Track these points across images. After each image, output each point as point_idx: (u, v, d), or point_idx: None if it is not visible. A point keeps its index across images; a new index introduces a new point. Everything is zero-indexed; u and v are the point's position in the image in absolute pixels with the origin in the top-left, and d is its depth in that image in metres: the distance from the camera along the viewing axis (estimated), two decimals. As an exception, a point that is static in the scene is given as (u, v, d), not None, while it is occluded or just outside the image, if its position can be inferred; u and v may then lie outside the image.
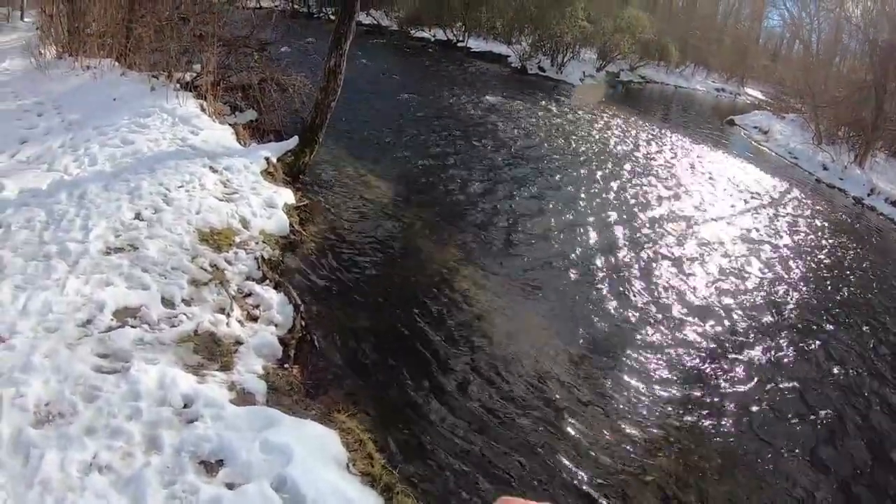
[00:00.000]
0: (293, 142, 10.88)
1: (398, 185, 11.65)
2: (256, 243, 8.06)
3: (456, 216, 11.02)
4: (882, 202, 20.26)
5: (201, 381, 5.63)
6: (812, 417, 8.21)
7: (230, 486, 4.64)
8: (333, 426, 5.66)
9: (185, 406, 5.27)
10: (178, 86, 11.66)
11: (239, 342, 6.39)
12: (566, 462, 6.28)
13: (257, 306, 7.10)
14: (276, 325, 6.91)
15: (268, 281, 7.52)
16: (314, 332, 7.07)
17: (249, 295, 7.20)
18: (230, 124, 11.36)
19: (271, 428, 5.22)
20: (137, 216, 7.70)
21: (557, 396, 7.15)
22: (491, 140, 15.44)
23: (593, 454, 6.45)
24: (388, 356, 7.12)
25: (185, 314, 6.40)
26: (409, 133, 14.41)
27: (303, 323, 7.04)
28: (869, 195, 20.97)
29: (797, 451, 7.44)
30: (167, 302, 6.49)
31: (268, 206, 8.98)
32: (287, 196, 9.44)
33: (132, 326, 5.97)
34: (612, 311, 9.20)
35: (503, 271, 9.48)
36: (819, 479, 7.09)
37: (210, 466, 4.79)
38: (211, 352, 6.09)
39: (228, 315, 6.62)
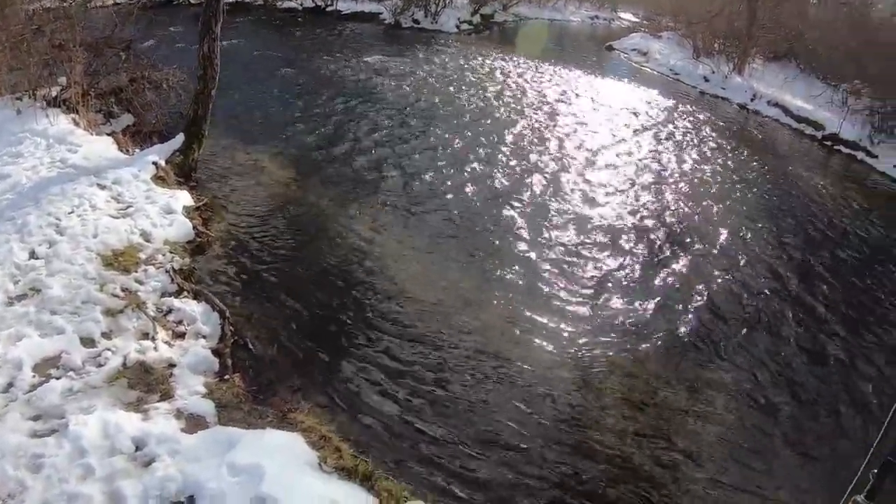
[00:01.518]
0: (178, 140, 10.12)
1: (295, 164, 11.15)
2: (164, 255, 7.57)
3: (359, 185, 10.71)
4: (765, 105, 21.33)
5: (146, 418, 5.32)
6: (695, 298, 9.00)
7: (207, 522, 4.52)
8: (293, 428, 5.53)
9: (138, 449, 4.97)
10: (44, 103, 10.51)
11: (172, 365, 6.06)
12: (504, 411, 6.56)
13: (181, 322, 6.73)
14: (205, 338, 6.58)
15: (185, 293, 7.11)
16: (245, 335, 6.80)
17: (170, 312, 6.80)
18: (108, 133, 10.52)
19: (233, 448, 5.03)
20: (32, 255, 6.99)
21: (488, 348, 7.30)
22: (379, 103, 14.90)
23: (527, 403, 6.69)
24: (324, 340, 6.99)
25: (108, 349, 5.97)
26: (295, 109, 13.68)
27: (231, 328, 6.74)
28: (752, 100, 22.08)
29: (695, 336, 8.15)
30: (86, 341, 6.02)
31: (167, 214, 8.38)
32: (184, 198, 8.87)
33: (57, 378, 5.50)
34: (528, 253, 9.40)
35: (416, 233, 9.44)
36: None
37: (181, 507, 4.61)
38: (146, 383, 5.75)
39: (154, 339, 6.25)
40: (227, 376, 6.13)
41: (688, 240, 10.65)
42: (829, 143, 18.55)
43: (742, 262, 10.30)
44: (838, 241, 11.94)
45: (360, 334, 7.06)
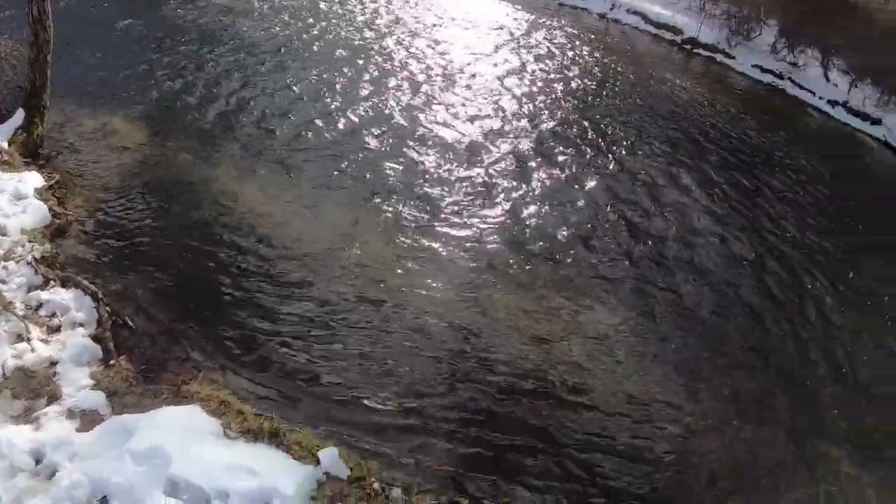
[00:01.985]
0: (19, 116, 8.99)
1: (148, 123, 10.08)
2: (22, 247, 7.10)
3: (220, 137, 9.96)
4: (624, 13, 20.46)
5: (38, 427, 5.29)
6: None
7: (127, 516, 4.70)
8: (190, 401, 5.66)
9: (38, 462, 4.99)
10: None
11: (53, 363, 5.95)
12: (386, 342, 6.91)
13: (53, 315, 6.50)
14: (82, 326, 6.41)
15: (52, 282, 6.79)
16: (123, 314, 6.66)
17: (40, 306, 6.53)
18: (-63, 124, 9.18)
19: (132, 436, 5.10)
20: None
21: (374, 286, 7.45)
22: (230, 45, 13.09)
23: (421, 334, 7.00)
24: (207, 304, 6.95)
25: (-19, 363, 5.78)
26: (141, 63, 11.78)
27: (107, 310, 6.57)
28: (611, 9, 21.33)
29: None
30: (-46, 359, 5.78)
31: (17, 200, 7.67)
32: (34, 180, 8.13)
33: (-70, 407, 5.35)
34: (402, 182, 9.36)
35: (286, 178, 9.12)
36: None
37: (98, 508, 4.70)
38: (31, 389, 5.66)
39: (28, 340, 6.06)
40: (112, 361, 6.08)
41: (557, 149, 10.92)
42: (688, 46, 18.84)
43: (615, 168, 10.73)
44: (710, 141, 12.48)
45: (242, 292, 7.05)
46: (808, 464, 6.42)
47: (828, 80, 16.88)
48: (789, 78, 17.02)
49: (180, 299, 6.96)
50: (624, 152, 11.36)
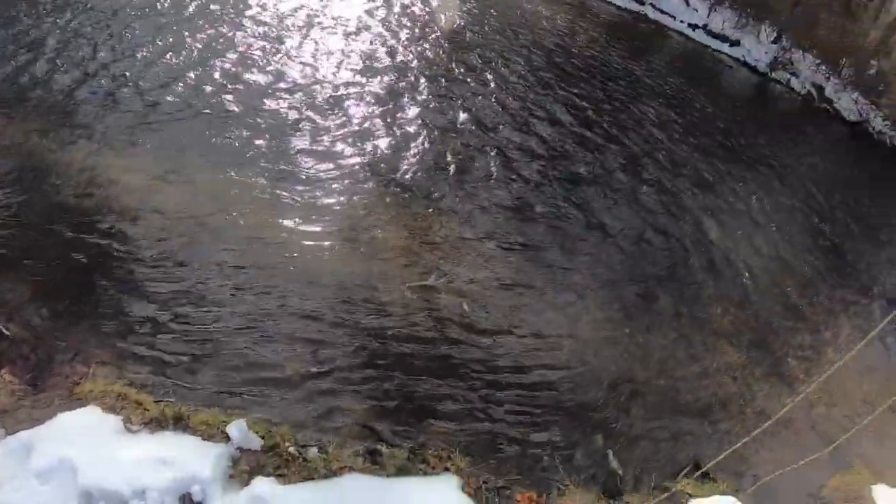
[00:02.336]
0: None
1: None
2: None
3: (69, 110, 8.84)
4: None
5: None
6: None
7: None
8: (86, 402, 5.45)
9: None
10: None
11: (-71, 394, 5.53)
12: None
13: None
14: None
15: None
16: None
17: None
18: None
19: (33, 453, 4.91)
20: None
21: (253, 247, 7.28)
22: (67, 12, 11.20)
23: (308, 285, 7.09)
24: (81, 293, 6.55)
25: None
26: None
27: None
28: None
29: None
30: None
31: None
32: None
33: None
34: (265, 133, 8.91)
35: (143, 145, 8.37)
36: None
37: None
38: None
39: None
40: None
41: (421, 88, 10.62)
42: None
43: (482, 101, 10.63)
44: (574, 67, 12.52)
45: (120, 277, 6.67)
46: (698, 359, 6.99)
47: (688, 4, 17.59)
48: (650, 3, 17.61)
49: (54, 296, 6.48)
50: (492, 85, 11.25)
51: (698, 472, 5.89)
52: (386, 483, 5.14)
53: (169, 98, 9.27)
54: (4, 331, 6.13)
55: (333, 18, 12.31)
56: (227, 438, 5.19)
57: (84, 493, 4.65)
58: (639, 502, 5.61)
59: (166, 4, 11.57)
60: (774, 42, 17.61)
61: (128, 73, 9.61)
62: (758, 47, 17.18)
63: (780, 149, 12.99)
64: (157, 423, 5.27)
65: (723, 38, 16.82)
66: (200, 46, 10.67)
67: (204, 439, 5.18)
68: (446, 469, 5.44)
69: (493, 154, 9.25)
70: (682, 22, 17.06)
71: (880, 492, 6.82)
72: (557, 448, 5.94)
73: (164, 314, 6.40)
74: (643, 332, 7.21)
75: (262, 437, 5.31)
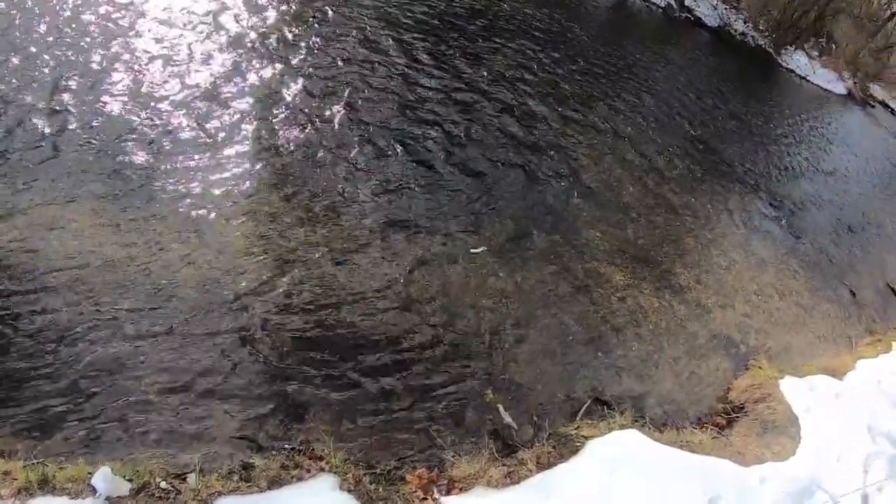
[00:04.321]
0: None
1: None
2: None
3: None
4: None
5: None
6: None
7: None
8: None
9: None
10: None
11: None
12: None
13: None
14: None
15: None
16: None
17: None
18: None
19: None
20: None
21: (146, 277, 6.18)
22: None
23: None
24: None
25: None
26: None
27: None
28: None
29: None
30: None
31: None
32: None
33: None
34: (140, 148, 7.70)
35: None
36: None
37: None
38: None
39: None
40: None
41: (288, 60, 9.35)
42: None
43: (356, 52, 9.61)
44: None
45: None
46: (582, 289, 6.50)
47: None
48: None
49: None
50: (363, 38, 10.26)
51: (599, 408, 5.45)
52: (259, 500, 4.42)
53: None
54: None
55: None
56: (94, 491, 4.34)
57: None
58: (534, 455, 5.06)
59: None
60: (629, -42, 17.36)
61: None
62: (614, -34, 16.88)
63: (645, 60, 12.72)
64: (25, 492, 4.36)
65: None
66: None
67: (71, 498, 4.32)
68: (322, 470, 4.74)
69: (358, 100, 8.39)
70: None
71: (788, 385, 6.64)
72: (443, 415, 5.33)
73: (15, 363, 5.35)
74: (519, 272, 6.63)
75: (131, 480, 4.47)
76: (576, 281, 6.66)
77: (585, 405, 5.62)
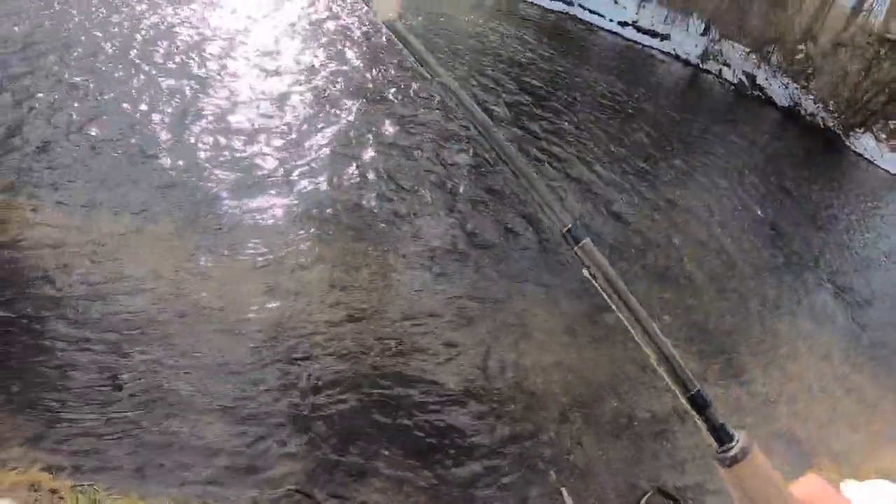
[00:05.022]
0: None
1: None
2: None
3: None
4: None
5: None
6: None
7: None
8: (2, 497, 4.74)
9: None
10: None
11: None
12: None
13: None
14: None
15: None
16: None
17: None
18: None
19: None
20: None
21: (161, 292, 6.57)
22: None
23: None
24: None
25: None
26: None
27: None
28: None
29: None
30: None
31: None
32: None
33: None
34: (178, 168, 8.20)
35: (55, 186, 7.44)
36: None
37: None
38: None
39: None
40: None
41: (341, 104, 9.99)
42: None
43: (406, 111, 10.02)
44: (502, 70, 11.85)
45: (24, 342, 5.86)
46: (650, 370, 6.48)
47: (616, 2, 17.38)
48: (579, 4, 17.32)
49: None
50: (413, 91, 10.60)
51: (663, 500, 5.42)
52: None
53: (67, 140, 8.02)
54: None
55: (254, 46, 11.46)
56: None
57: None
58: (595, 542, 5.08)
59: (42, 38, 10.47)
60: (703, 34, 17.48)
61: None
62: (687, 40, 17.02)
63: (715, 138, 12.75)
64: None
65: (652, 33, 16.63)
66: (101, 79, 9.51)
67: None
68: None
69: (417, 165, 8.68)
70: (611, 20, 16.80)
71: (849, 488, 6.44)
72: (506, 494, 5.37)
73: (74, 384, 5.65)
74: (590, 349, 6.69)
75: None
76: (644, 363, 6.67)
77: (648, 495, 5.59)
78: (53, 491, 4.83)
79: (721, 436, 0.57)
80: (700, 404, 0.57)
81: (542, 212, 0.72)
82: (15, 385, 5.54)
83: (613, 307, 0.71)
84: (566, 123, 10.62)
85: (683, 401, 0.58)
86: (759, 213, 11.21)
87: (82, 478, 4.92)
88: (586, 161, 9.80)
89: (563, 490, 5.38)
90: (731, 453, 0.57)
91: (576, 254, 0.65)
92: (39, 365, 5.68)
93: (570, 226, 0.66)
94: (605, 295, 0.62)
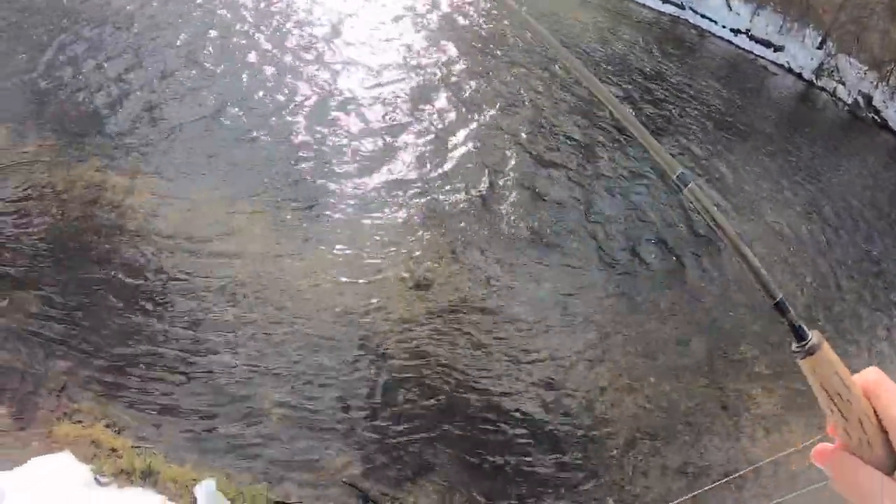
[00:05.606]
0: None
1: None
2: None
3: (80, 126, 7.90)
4: None
5: None
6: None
7: None
8: (60, 447, 4.87)
9: None
10: None
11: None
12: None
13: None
14: None
15: None
16: None
17: None
18: None
19: (3, 500, 4.35)
20: None
21: (251, 271, 6.61)
22: (87, 21, 9.63)
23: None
24: (76, 320, 5.91)
25: None
26: None
27: None
28: None
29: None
30: None
31: None
32: None
33: None
34: (280, 156, 8.23)
35: (145, 162, 7.55)
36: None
37: None
38: None
39: None
40: None
41: (457, 103, 9.89)
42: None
43: (530, 113, 9.68)
44: (614, 72, 11.51)
45: (113, 302, 6.04)
46: (729, 410, 6.09)
47: (730, 8, 16.36)
48: (691, 7, 16.40)
49: (49, 322, 5.88)
50: (534, 93, 10.36)
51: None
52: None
53: (180, 116, 8.43)
54: (-4, 361, 5.62)
55: (362, 28, 11.37)
56: (193, 501, 4.56)
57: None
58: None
59: (179, 20, 10.46)
60: (819, 47, 16.27)
61: (139, 89, 8.74)
62: (802, 53, 15.87)
63: (827, 163, 11.80)
64: (126, 476, 4.67)
65: (766, 43, 15.54)
66: (222, 61, 9.72)
67: (170, 499, 4.57)
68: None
69: (523, 168, 8.43)
70: (723, 27, 15.82)
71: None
72: (563, 509, 5.14)
73: (157, 347, 5.79)
74: (670, 380, 6.30)
75: (232, 500, 4.65)
76: (725, 399, 6.22)
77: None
78: (113, 450, 4.94)
79: (799, 334, 0.71)
80: (783, 309, 0.73)
81: (655, 160, 0.80)
82: (96, 341, 5.72)
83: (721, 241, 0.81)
84: (672, 130, 10.12)
85: (771, 306, 0.72)
86: (864, 246, 10.28)
87: (143, 440, 5.04)
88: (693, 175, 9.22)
89: (619, 524, 5.09)
90: (806, 347, 0.70)
91: (685, 196, 0.75)
92: (122, 325, 5.84)
93: (679, 171, 0.76)
94: (712, 227, 0.74)
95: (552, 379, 5.94)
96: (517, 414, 5.62)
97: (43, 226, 6.69)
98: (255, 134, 8.15)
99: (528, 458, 5.34)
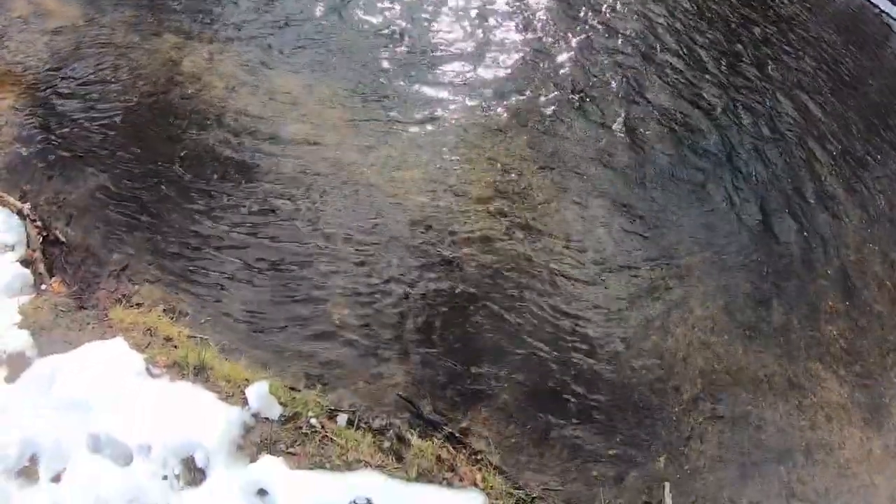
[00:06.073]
0: None
1: None
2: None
3: (160, 2, 7.62)
4: None
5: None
6: None
7: (55, 479, 4.07)
8: (115, 332, 4.89)
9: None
10: None
11: (-22, 296, 5.13)
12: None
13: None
14: (11, 248, 5.41)
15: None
16: (55, 226, 5.54)
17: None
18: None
19: (55, 382, 4.47)
20: None
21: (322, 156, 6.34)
22: None
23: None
24: (144, 199, 5.83)
25: None
26: None
27: (38, 226, 5.46)
28: None
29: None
30: None
31: None
32: None
33: None
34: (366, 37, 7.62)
35: (236, 35, 7.29)
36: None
37: (28, 471, 4.12)
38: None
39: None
40: (44, 285, 5.23)
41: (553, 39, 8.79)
42: None
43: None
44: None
45: (184, 182, 5.93)
46: (796, 388, 5.71)
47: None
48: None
49: (117, 199, 5.84)
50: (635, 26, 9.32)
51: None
52: (403, 488, 4.40)
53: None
54: (61, 237, 5.66)
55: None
56: (245, 402, 4.58)
57: (93, 437, 4.22)
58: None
59: None
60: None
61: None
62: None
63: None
64: (178, 370, 4.70)
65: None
66: None
67: (221, 398, 4.59)
68: (474, 484, 4.61)
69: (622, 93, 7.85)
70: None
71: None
72: (608, 465, 4.96)
73: (224, 234, 5.67)
74: (742, 342, 5.88)
75: (284, 405, 4.66)
76: (792, 377, 5.78)
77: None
78: (168, 339, 4.95)
79: None
80: None
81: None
82: (162, 224, 5.66)
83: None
84: (783, 85, 9.06)
85: None
86: None
87: (200, 330, 5.03)
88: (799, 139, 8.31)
89: (666, 485, 4.90)
90: None
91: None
92: (190, 210, 5.75)
93: None
94: None
95: (627, 318, 5.70)
96: (581, 349, 5.45)
97: (116, 106, 6.53)
98: (330, 19, 7.78)
99: (585, 399, 5.18)
